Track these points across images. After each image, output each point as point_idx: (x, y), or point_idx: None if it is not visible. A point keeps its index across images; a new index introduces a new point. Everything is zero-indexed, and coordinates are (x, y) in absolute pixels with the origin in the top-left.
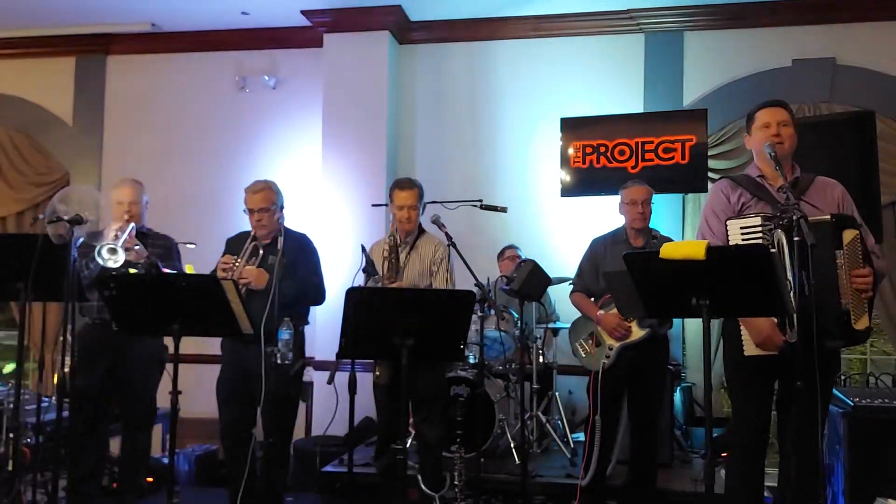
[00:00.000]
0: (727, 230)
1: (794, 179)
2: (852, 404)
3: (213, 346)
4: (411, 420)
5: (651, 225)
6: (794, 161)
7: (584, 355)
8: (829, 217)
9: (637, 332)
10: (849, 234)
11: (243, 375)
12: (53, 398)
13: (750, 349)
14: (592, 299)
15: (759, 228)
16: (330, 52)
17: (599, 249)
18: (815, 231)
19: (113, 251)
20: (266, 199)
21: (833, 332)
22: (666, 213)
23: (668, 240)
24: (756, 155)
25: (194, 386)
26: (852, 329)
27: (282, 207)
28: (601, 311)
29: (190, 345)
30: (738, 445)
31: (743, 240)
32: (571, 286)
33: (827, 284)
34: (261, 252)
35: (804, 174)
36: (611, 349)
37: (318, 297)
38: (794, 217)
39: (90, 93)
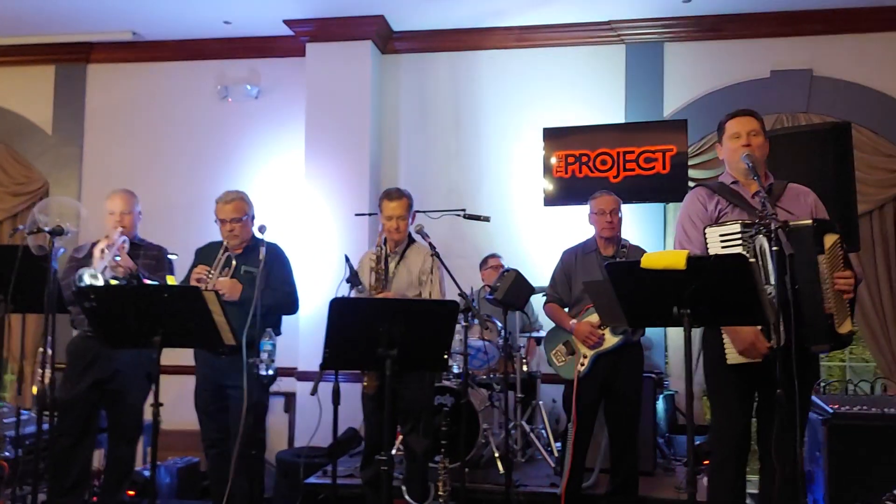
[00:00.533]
0: (706, 238)
1: (770, 185)
2: (832, 411)
3: (192, 357)
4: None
5: (631, 234)
6: (769, 170)
7: (558, 364)
8: (810, 222)
9: (611, 340)
10: (829, 239)
11: (218, 385)
12: (33, 411)
13: (733, 357)
14: (567, 309)
15: (739, 235)
16: (312, 62)
17: (570, 260)
18: (796, 236)
19: (94, 277)
20: (238, 209)
21: (818, 336)
22: (647, 222)
23: (639, 249)
24: (727, 164)
25: (175, 397)
26: (836, 333)
27: (253, 217)
28: (574, 321)
29: (170, 356)
30: (719, 454)
31: (722, 247)
32: (545, 297)
33: (810, 289)
34: (233, 263)
35: (777, 181)
36: (585, 357)
37: (292, 306)
38: (773, 226)
39: (70, 102)
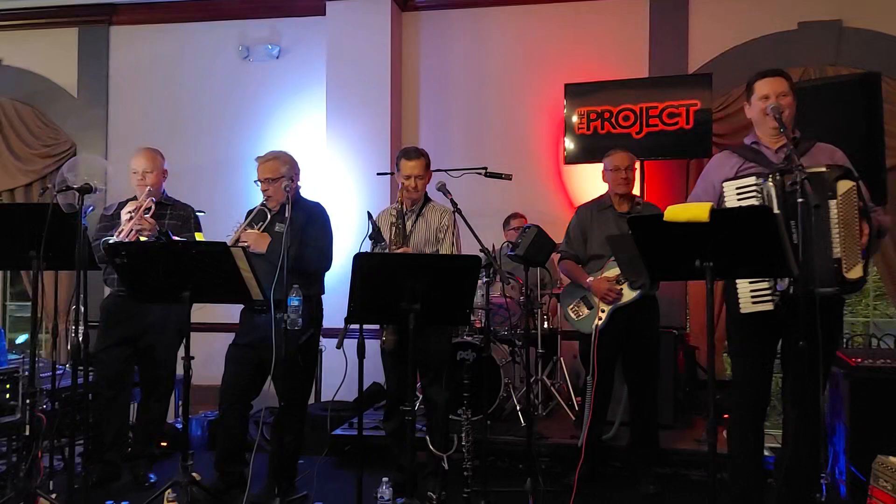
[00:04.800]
0: (724, 192)
1: (795, 139)
2: (854, 365)
3: (224, 314)
4: (419, 384)
5: (654, 190)
6: (797, 126)
7: (576, 319)
8: (824, 168)
9: (629, 294)
10: (844, 185)
11: (253, 343)
12: (67, 366)
13: (746, 306)
14: (581, 266)
15: (754, 187)
16: (332, 20)
17: (586, 216)
18: (809, 181)
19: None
20: (271, 169)
21: (823, 279)
22: (670, 178)
23: (652, 205)
24: (755, 124)
25: (207, 354)
26: (843, 277)
27: (291, 178)
28: (591, 278)
29: (203, 314)
30: (737, 405)
31: (738, 199)
32: (559, 254)
33: (820, 233)
34: (268, 217)
35: (805, 139)
36: (603, 311)
37: (321, 261)
38: (799, 178)
39: (94, 64)
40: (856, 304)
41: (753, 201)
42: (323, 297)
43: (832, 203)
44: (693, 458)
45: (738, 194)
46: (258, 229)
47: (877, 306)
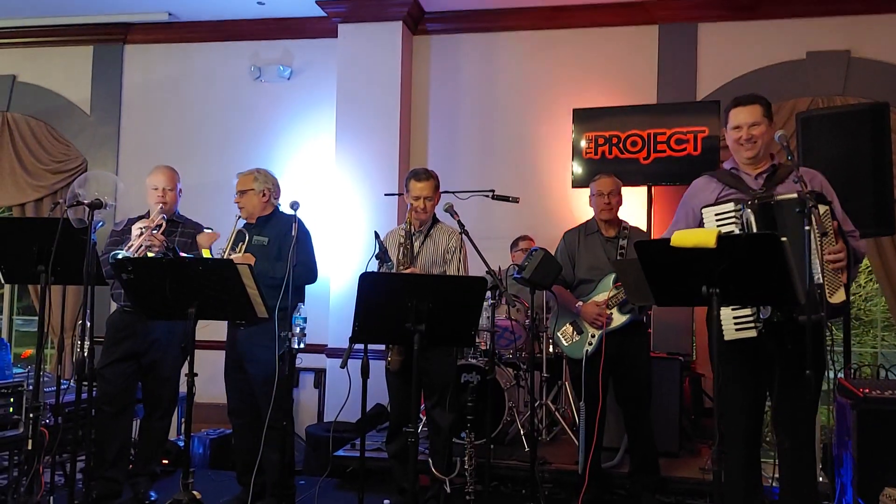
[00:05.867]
0: (703, 217)
1: (774, 166)
2: (862, 395)
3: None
4: (423, 405)
5: (660, 216)
6: (804, 150)
7: (566, 344)
8: (795, 195)
9: (619, 319)
10: (818, 210)
11: (238, 357)
12: (72, 381)
13: (730, 333)
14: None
15: (733, 213)
16: (344, 43)
17: (573, 240)
18: (784, 208)
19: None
20: (241, 182)
21: (808, 306)
22: (678, 203)
23: (639, 230)
24: (731, 151)
25: (210, 372)
26: (828, 303)
27: (263, 192)
28: (580, 303)
29: (207, 331)
30: (728, 434)
31: (717, 225)
32: None
33: (798, 260)
34: (245, 237)
35: (784, 164)
36: (593, 337)
37: (306, 274)
38: (807, 206)
39: (108, 81)
40: (864, 335)
41: (732, 227)
42: (328, 316)
43: (808, 230)
44: (697, 487)
45: (717, 220)
46: (239, 251)
47: (885, 337)
